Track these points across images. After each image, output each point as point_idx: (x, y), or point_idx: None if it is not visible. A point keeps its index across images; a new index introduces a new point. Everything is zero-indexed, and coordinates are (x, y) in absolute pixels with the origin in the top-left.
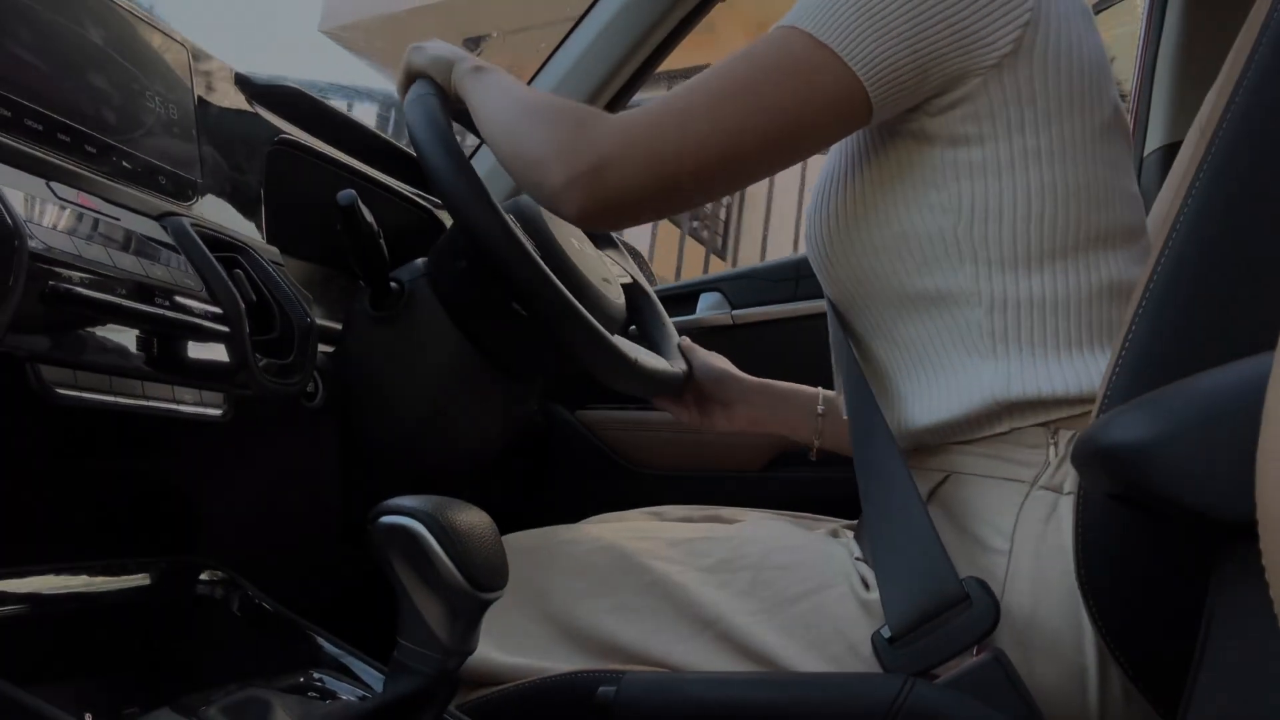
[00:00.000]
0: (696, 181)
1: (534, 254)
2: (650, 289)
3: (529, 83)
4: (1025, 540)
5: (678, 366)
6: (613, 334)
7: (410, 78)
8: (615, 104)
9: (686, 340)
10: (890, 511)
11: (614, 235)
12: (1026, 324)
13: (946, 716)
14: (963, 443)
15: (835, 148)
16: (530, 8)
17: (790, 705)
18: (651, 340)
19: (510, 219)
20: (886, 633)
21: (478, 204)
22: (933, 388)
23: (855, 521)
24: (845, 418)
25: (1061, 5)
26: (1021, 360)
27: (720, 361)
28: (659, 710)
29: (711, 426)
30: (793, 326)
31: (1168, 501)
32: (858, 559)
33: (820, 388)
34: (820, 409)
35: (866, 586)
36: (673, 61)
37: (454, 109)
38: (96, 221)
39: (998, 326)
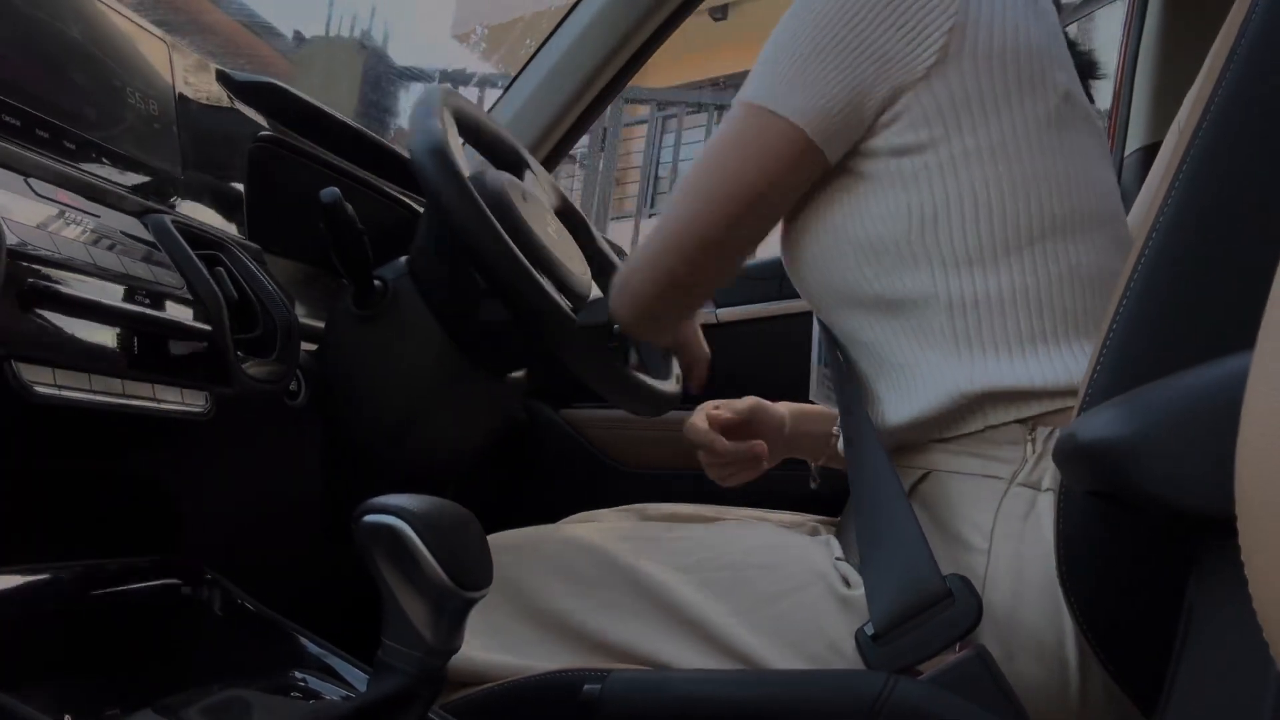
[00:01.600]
0: (690, 270)
1: (515, 249)
2: None
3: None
4: (1004, 538)
5: (670, 382)
6: (578, 311)
7: None
8: (583, 121)
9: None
10: (877, 509)
11: (596, 233)
12: (987, 322)
13: (929, 713)
14: (941, 440)
15: None
16: None
17: (775, 703)
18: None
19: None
20: (870, 630)
21: (460, 199)
22: (902, 388)
23: (836, 519)
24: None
25: None
26: (985, 358)
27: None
28: (644, 708)
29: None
30: (777, 325)
31: (1148, 498)
32: (838, 558)
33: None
34: (836, 430)
35: (847, 584)
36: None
37: None
38: (76, 219)
39: (959, 327)
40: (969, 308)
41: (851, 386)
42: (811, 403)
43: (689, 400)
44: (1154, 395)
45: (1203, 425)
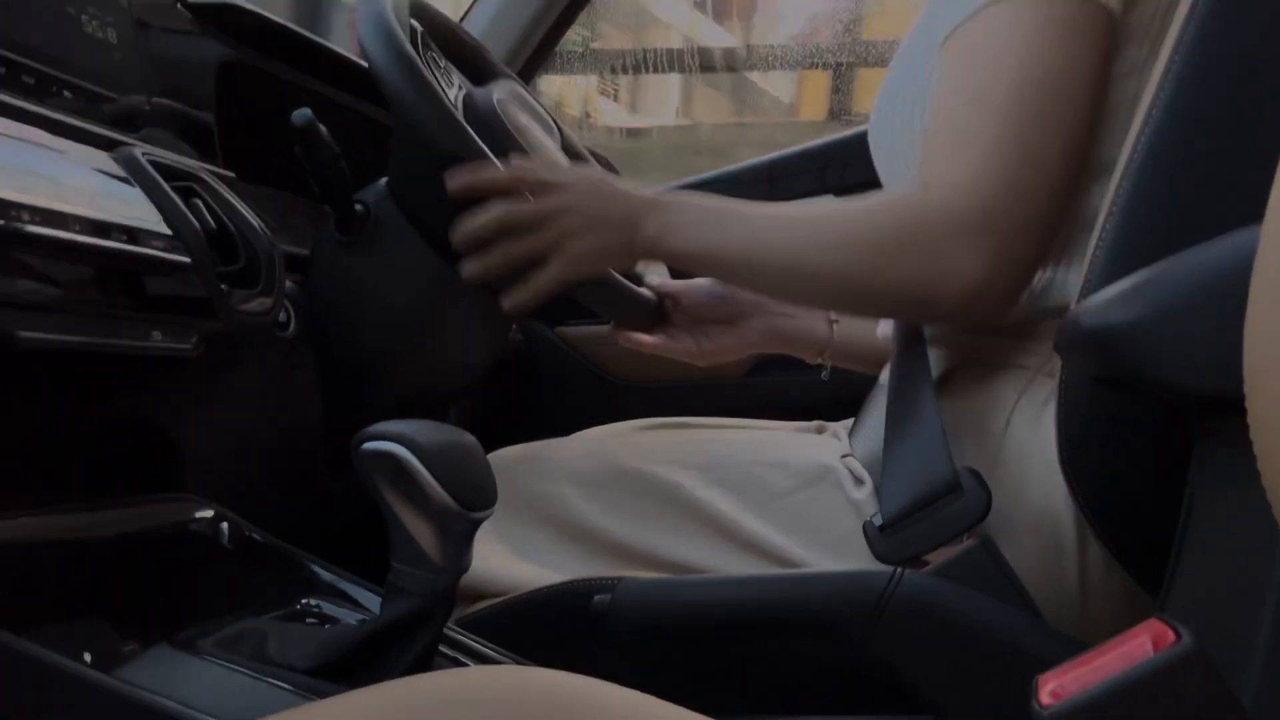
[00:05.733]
0: (1064, 202)
1: (487, 151)
2: None
3: (463, 20)
4: (1020, 424)
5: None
6: None
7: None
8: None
9: (659, 280)
10: (906, 401)
11: (571, 136)
12: (1081, 236)
13: (935, 602)
14: (980, 330)
15: (907, 50)
16: None
17: (782, 603)
18: None
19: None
20: (878, 520)
21: (427, 106)
22: None
23: (840, 422)
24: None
25: None
26: (1070, 270)
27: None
28: (654, 613)
29: (717, 356)
30: None
31: (1153, 381)
32: (845, 456)
33: None
34: (834, 314)
35: (856, 479)
36: None
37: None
38: (41, 156)
39: (1059, 235)
40: (1076, 219)
41: None
42: None
43: None
44: (1158, 277)
45: (1209, 304)
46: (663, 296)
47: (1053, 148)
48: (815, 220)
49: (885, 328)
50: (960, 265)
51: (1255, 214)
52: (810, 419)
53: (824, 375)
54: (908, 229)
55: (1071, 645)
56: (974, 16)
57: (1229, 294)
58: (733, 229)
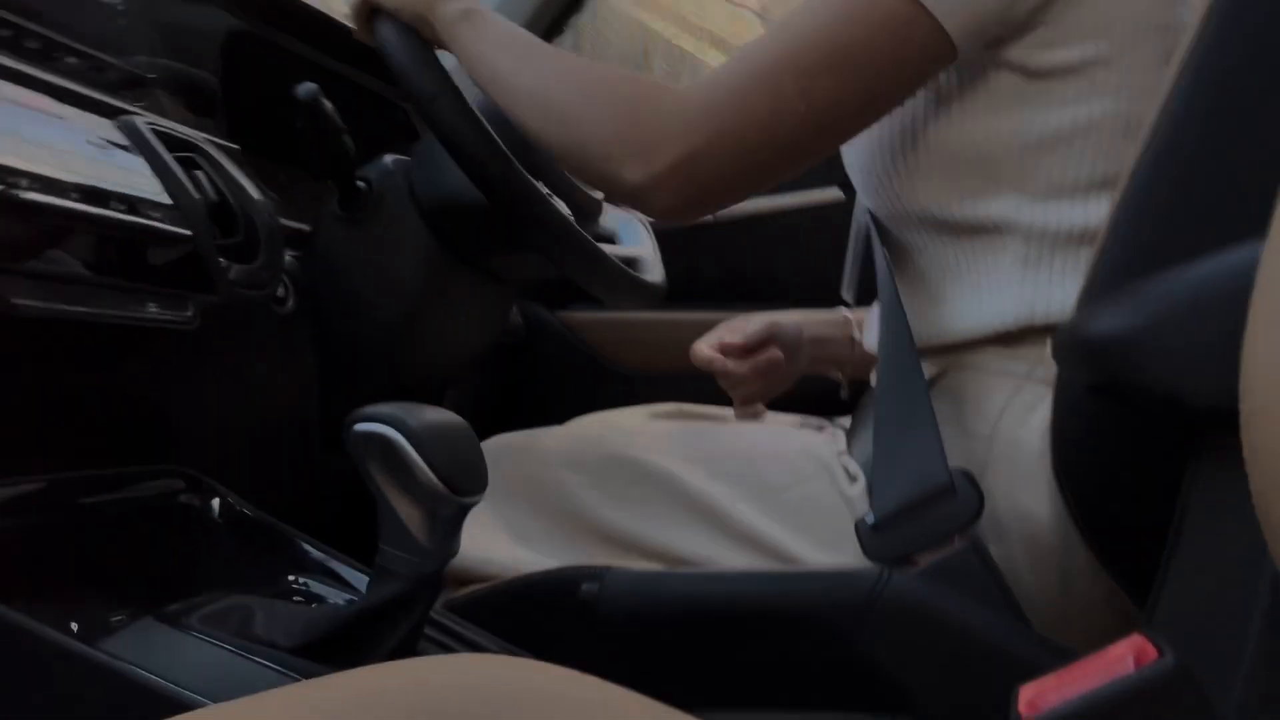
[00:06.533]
0: (791, 162)
1: (505, 149)
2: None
3: None
4: (1010, 427)
5: (655, 276)
6: (595, 220)
7: (368, 10)
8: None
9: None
10: (898, 406)
11: None
12: (1061, 253)
13: (922, 603)
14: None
15: None
16: None
17: (770, 599)
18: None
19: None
20: (870, 519)
21: (455, 111)
22: (960, 303)
23: (840, 418)
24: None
25: None
26: (1050, 285)
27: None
28: (642, 604)
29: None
30: (778, 223)
31: (1149, 392)
32: (840, 452)
33: (844, 309)
34: (858, 335)
35: (850, 479)
36: None
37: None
38: (43, 122)
39: (1031, 254)
40: (1045, 238)
41: (893, 284)
42: (844, 301)
43: (673, 298)
44: (1160, 287)
45: (1209, 317)
46: (713, 365)
47: (803, 101)
48: (571, 63)
49: (872, 338)
50: (658, 144)
51: (1257, 231)
52: (806, 408)
53: (843, 394)
54: (642, 91)
55: (1055, 650)
56: None
57: (1228, 308)
58: (516, 47)
